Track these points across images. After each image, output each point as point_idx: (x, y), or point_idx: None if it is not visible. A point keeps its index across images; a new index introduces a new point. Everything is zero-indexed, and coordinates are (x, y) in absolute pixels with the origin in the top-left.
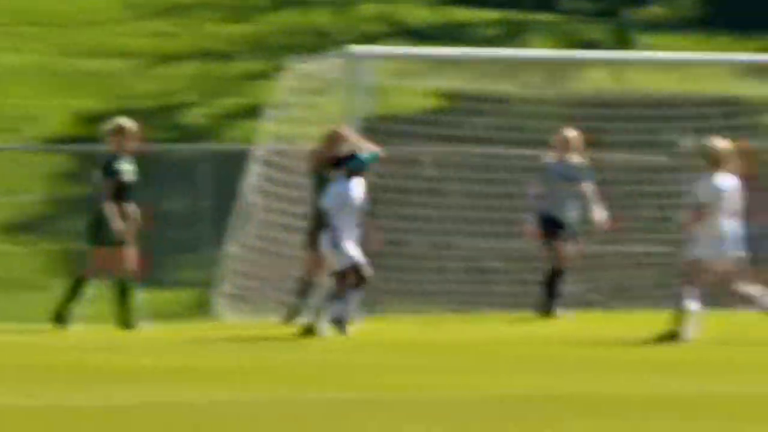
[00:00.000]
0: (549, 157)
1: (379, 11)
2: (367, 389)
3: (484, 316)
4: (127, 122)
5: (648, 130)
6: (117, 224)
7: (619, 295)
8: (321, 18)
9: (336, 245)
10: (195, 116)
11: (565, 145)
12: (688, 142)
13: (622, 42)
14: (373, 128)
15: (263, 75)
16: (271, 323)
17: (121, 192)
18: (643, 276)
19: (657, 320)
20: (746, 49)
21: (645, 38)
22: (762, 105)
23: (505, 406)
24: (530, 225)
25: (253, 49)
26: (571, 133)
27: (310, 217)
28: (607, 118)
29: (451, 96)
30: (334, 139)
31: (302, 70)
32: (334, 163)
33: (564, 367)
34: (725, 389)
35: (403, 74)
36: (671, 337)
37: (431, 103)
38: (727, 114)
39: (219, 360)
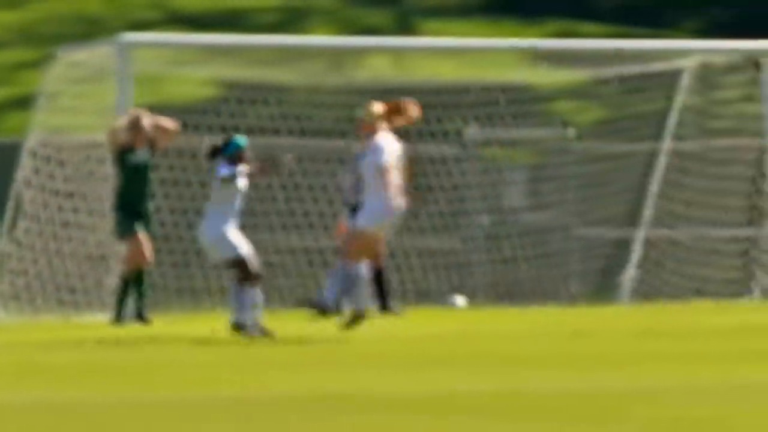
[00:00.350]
0: (357, 147)
1: None
2: (161, 388)
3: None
4: None
5: (433, 119)
6: None
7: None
8: (92, 5)
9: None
10: None
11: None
12: (473, 132)
13: (405, 28)
14: None
15: (33, 64)
16: (48, 323)
17: None
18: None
19: (448, 316)
20: (532, 35)
21: (428, 24)
22: (551, 92)
23: (292, 405)
24: (345, 220)
25: (22, 38)
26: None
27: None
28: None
29: (229, 85)
30: (135, 123)
31: (73, 59)
32: (211, 152)
33: (358, 364)
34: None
35: (179, 62)
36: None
37: (208, 92)
38: (514, 101)
39: None
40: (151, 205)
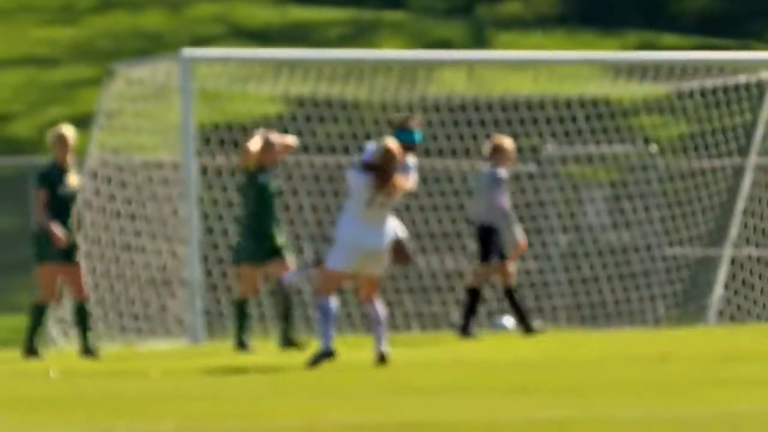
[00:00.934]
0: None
1: (215, 11)
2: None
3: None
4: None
5: (509, 135)
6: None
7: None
8: (152, 20)
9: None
10: (20, 127)
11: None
12: (550, 148)
13: (478, 41)
14: (211, 137)
15: (91, 82)
16: (109, 351)
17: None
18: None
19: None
20: (609, 47)
21: (501, 37)
22: (631, 106)
23: None
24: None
25: (79, 55)
26: (507, 141)
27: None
28: (464, 123)
29: (296, 102)
30: (268, 142)
31: (133, 76)
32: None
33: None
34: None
35: (243, 79)
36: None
37: (274, 109)
38: (592, 116)
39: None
40: (280, 230)
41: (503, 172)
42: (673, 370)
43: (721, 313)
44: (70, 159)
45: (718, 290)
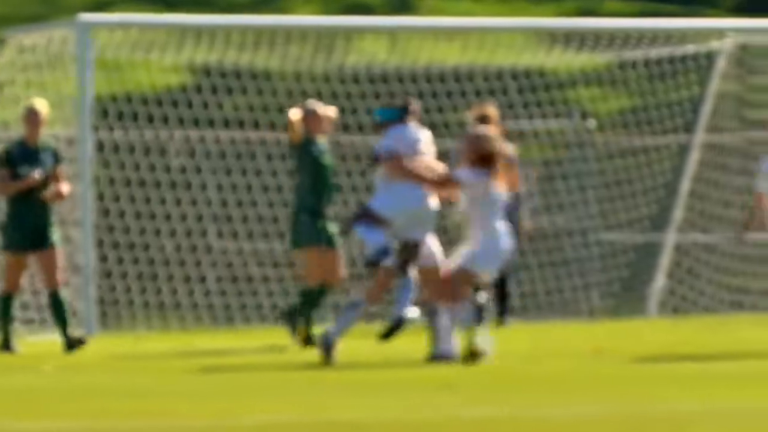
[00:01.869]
0: None
1: None
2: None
3: (241, 331)
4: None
5: (433, 109)
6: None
7: None
8: None
9: None
10: None
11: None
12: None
13: (401, 6)
14: (107, 109)
15: None
16: None
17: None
18: None
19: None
20: (544, 14)
21: (427, 1)
22: (566, 78)
23: None
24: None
25: None
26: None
27: None
28: (386, 95)
29: (200, 71)
30: (313, 112)
31: (24, 43)
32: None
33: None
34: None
35: (143, 46)
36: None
37: (176, 79)
38: (525, 88)
39: None
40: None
41: None
42: (608, 366)
43: (662, 304)
44: (40, 138)
45: (660, 279)
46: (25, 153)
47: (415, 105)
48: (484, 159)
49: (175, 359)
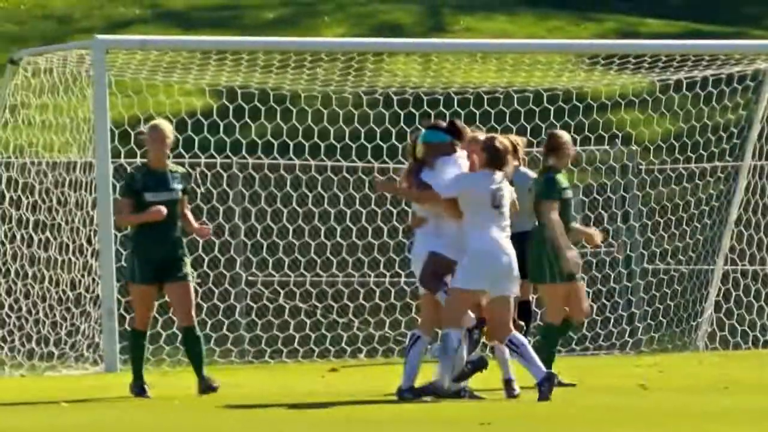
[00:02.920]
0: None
1: None
2: None
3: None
4: None
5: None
6: None
7: None
8: (59, 0)
9: None
10: None
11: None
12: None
13: (435, 25)
14: (129, 133)
15: None
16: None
17: None
18: None
19: None
20: (583, 34)
21: (461, 20)
22: (607, 100)
23: None
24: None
25: None
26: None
27: None
28: (419, 117)
29: (225, 94)
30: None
31: (39, 65)
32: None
33: None
34: None
35: (166, 68)
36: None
37: (201, 102)
38: (564, 111)
39: None
40: None
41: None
42: (654, 401)
43: (711, 337)
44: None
45: (708, 311)
46: (152, 178)
47: (461, 125)
48: (495, 160)
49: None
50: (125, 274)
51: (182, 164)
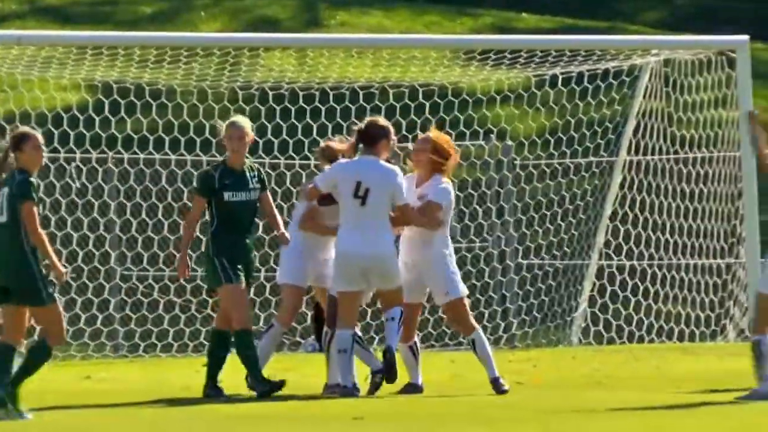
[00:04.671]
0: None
1: None
2: None
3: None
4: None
5: (346, 128)
6: None
7: None
8: None
9: None
10: None
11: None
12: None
13: (311, 21)
14: (4, 128)
15: None
16: None
17: None
18: None
19: None
20: (459, 29)
21: (337, 16)
22: (483, 95)
23: None
24: None
25: None
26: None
27: None
28: (295, 113)
29: (101, 89)
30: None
31: None
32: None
33: None
34: None
35: (43, 63)
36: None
37: (75, 97)
38: (439, 106)
39: None
40: None
41: None
42: (527, 396)
43: (585, 332)
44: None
45: (582, 306)
46: (230, 177)
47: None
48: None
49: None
50: (213, 280)
51: (57, 159)
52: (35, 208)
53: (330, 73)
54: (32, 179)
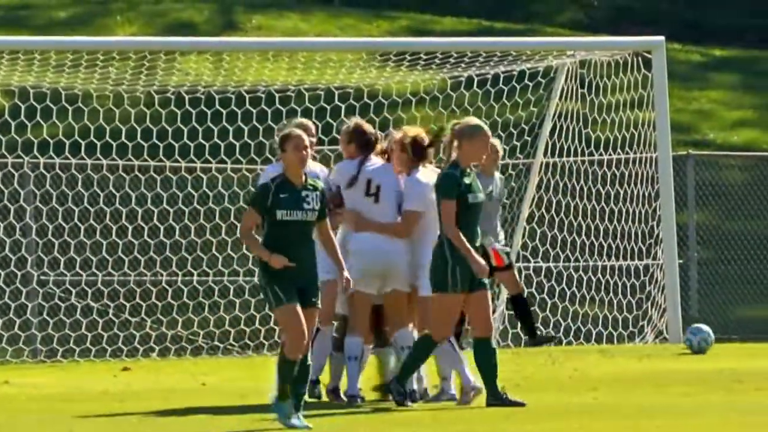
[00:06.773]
0: None
1: None
2: None
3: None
4: None
5: (263, 131)
6: None
7: None
8: None
9: None
10: None
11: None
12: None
13: (227, 24)
14: None
15: None
16: None
17: None
18: None
19: None
20: (375, 32)
21: (253, 19)
22: (398, 98)
23: None
24: None
25: None
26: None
27: None
28: (211, 117)
29: (16, 94)
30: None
31: None
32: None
33: None
34: None
35: None
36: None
37: None
38: (354, 109)
39: None
40: None
41: None
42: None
43: (503, 334)
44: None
45: (501, 307)
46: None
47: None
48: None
49: None
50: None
51: None
52: (249, 210)
53: (246, 77)
54: (269, 184)
